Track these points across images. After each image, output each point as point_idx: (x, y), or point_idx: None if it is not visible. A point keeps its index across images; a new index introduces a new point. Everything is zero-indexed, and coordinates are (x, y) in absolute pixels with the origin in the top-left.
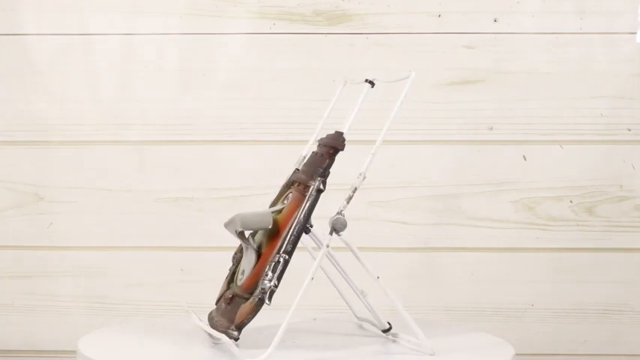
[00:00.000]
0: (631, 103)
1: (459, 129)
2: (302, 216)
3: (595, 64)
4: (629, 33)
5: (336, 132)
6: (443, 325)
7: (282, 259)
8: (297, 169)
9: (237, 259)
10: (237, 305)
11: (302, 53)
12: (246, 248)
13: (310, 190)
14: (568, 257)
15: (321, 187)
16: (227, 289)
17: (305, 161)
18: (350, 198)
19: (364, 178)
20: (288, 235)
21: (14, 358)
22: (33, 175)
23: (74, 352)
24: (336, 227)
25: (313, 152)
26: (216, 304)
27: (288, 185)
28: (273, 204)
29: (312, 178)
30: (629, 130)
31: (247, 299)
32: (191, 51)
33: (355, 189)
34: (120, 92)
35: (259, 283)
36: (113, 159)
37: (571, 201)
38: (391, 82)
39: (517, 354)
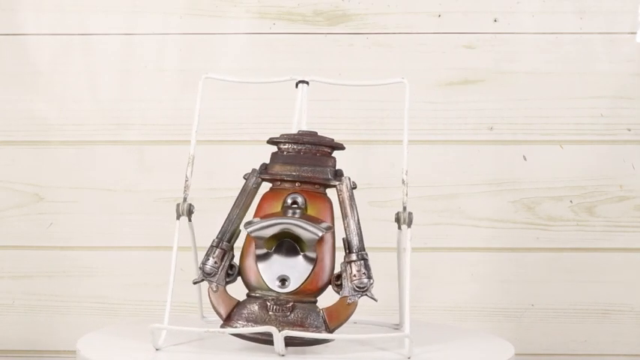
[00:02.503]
0: (631, 103)
1: (459, 129)
2: (357, 213)
3: (595, 64)
4: (629, 33)
5: (305, 131)
6: (443, 325)
7: (366, 256)
8: (257, 171)
9: (223, 267)
10: (310, 310)
11: (302, 53)
12: (267, 256)
13: (347, 190)
14: (568, 257)
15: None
16: (245, 300)
17: (289, 161)
18: (406, 193)
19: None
20: (355, 234)
21: (14, 358)
22: (33, 175)
23: (74, 352)
24: (412, 221)
25: (284, 151)
26: (227, 320)
27: (256, 187)
28: (264, 210)
29: (330, 177)
30: (629, 130)
31: (314, 302)
32: (191, 51)
33: (407, 184)
34: (120, 92)
35: (344, 284)
36: (113, 159)
37: (571, 201)
38: (380, 84)
39: (517, 354)
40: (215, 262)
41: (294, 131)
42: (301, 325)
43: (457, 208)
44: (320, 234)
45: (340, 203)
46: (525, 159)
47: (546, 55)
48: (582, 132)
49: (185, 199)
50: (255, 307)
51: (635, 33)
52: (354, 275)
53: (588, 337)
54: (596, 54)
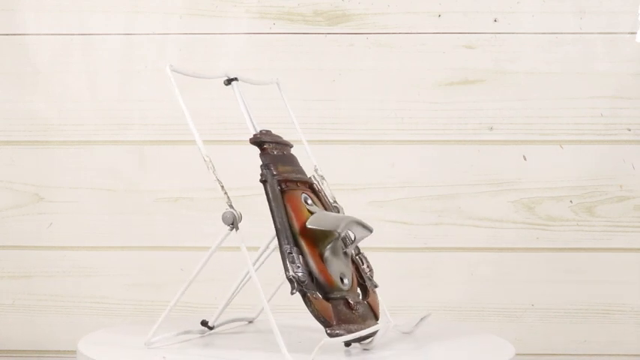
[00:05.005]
0: (631, 103)
1: (459, 129)
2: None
3: (595, 64)
4: (629, 33)
5: (266, 130)
6: (443, 324)
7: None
8: (271, 170)
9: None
10: (364, 304)
11: (302, 53)
12: (333, 254)
13: (319, 186)
14: (568, 257)
15: None
16: (327, 300)
17: (282, 161)
18: (328, 186)
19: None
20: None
21: (14, 358)
22: (33, 175)
23: (74, 352)
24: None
25: (272, 150)
26: (332, 325)
27: (259, 186)
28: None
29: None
30: (629, 130)
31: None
32: (191, 51)
33: (324, 178)
34: (120, 92)
35: (365, 277)
36: (113, 159)
37: (571, 201)
38: (256, 84)
39: (517, 354)
40: (305, 269)
41: (252, 129)
42: (365, 318)
43: (457, 208)
44: (372, 230)
45: (324, 201)
46: (525, 159)
47: (546, 55)
48: (582, 132)
49: (231, 206)
50: (343, 308)
51: (635, 33)
52: (368, 267)
53: (588, 337)
54: (596, 54)
